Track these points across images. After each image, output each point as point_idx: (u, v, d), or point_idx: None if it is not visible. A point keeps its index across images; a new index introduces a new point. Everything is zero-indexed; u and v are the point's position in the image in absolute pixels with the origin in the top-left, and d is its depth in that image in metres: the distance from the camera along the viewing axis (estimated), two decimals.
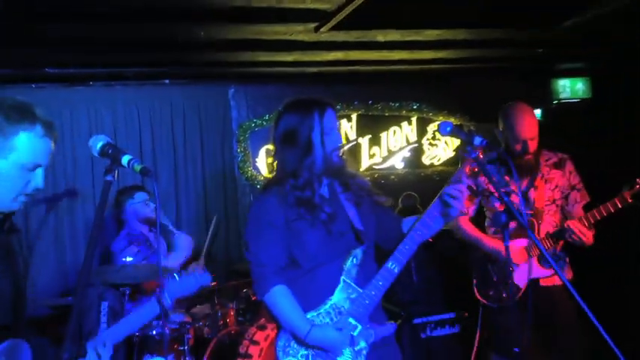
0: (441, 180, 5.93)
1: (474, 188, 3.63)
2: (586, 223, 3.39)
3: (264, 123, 5.68)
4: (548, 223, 3.60)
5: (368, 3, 3.51)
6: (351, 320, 2.48)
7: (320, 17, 3.82)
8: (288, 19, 3.80)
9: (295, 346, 2.50)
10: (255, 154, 5.68)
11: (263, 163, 5.68)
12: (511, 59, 5.53)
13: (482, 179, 3.61)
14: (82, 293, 2.19)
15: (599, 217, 3.36)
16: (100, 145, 1.94)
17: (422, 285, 4.82)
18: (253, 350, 3.91)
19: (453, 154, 6.30)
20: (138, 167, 1.90)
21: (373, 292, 2.49)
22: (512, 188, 3.36)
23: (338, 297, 2.51)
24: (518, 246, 3.52)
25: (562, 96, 6.09)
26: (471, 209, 3.74)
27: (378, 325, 2.54)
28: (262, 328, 4.01)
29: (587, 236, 3.39)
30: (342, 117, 5.81)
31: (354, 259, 2.51)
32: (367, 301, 2.49)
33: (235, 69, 5.13)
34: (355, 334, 2.47)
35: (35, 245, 4.68)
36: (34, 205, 3.38)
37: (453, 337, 4.56)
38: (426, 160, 6.21)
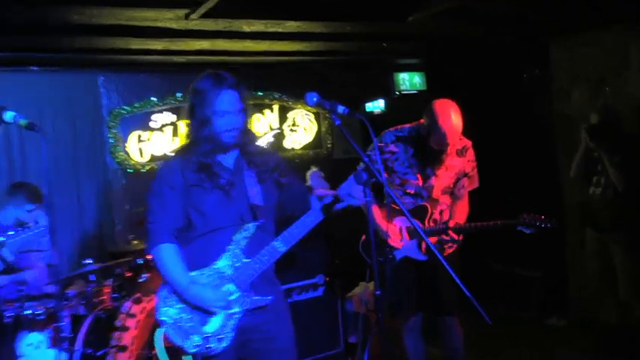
0: (301, 162, 6.04)
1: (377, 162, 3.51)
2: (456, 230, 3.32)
3: (135, 110, 5.42)
4: (442, 204, 3.52)
5: None
6: (231, 286, 2.47)
7: (191, 4, 3.64)
8: (160, 4, 3.59)
9: (174, 297, 2.49)
10: (126, 140, 5.38)
11: (135, 147, 5.41)
12: (360, 53, 5.59)
13: (388, 156, 3.48)
14: None
15: (471, 230, 3.33)
16: None
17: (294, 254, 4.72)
18: (130, 323, 3.81)
19: (311, 138, 6.34)
20: (24, 122, 1.69)
21: (257, 265, 2.48)
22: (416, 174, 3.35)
23: (223, 263, 2.49)
24: (409, 225, 3.46)
25: (403, 88, 6.27)
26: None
27: (256, 295, 2.51)
28: (138, 301, 3.92)
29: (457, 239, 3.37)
30: None
31: (246, 232, 2.49)
32: (249, 272, 2.48)
33: (106, 56, 4.79)
34: (232, 298, 2.46)
35: None
36: None
37: (317, 300, 4.57)
38: (287, 144, 6.22)
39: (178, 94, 5.51)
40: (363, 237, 3.57)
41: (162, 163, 2.71)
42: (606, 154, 4.09)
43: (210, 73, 2.51)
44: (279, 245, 2.49)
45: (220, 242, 2.49)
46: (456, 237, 3.36)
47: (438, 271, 3.39)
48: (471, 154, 3.52)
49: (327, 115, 6.05)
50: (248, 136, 2.57)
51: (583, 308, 5.05)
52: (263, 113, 6.05)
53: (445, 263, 2.18)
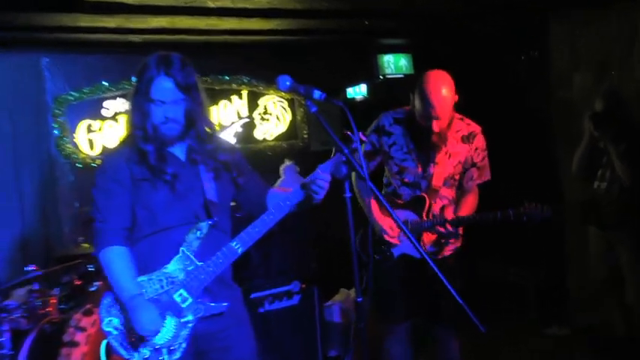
0: (273, 155, 6.04)
1: (376, 146, 3.56)
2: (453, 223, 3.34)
3: (84, 96, 5.33)
4: (445, 198, 3.52)
5: None
6: (183, 292, 2.49)
7: None
8: None
9: (118, 308, 2.50)
10: (74, 130, 5.30)
11: (84, 139, 5.33)
12: (338, 32, 5.57)
13: (386, 139, 3.50)
14: None
15: (469, 222, 3.36)
16: None
17: (261, 259, 4.77)
18: (80, 337, 3.77)
19: (285, 128, 6.32)
20: None
21: (211, 268, 2.50)
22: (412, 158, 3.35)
23: (174, 266, 2.51)
24: (404, 219, 3.45)
25: (387, 71, 6.29)
26: (371, 164, 3.60)
27: (211, 301, 2.54)
28: (89, 313, 3.88)
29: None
30: None
31: (198, 232, 2.50)
32: (203, 276, 2.50)
33: (51, 34, 4.69)
34: (184, 306, 2.48)
35: None
36: None
37: (292, 309, 4.55)
38: (258, 134, 6.18)
39: (134, 79, 5.39)
40: (358, 234, 3.56)
41: (107, 154, 2.70)
42: (612, 144, 4.12)
43: (156, 55, 2.51)
44: (236, 246, 2.51)
45: (170, 244, 2.50)
46: (453, 230, 3.37)
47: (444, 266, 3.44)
48: (480, 141, 3.51)
49: (303, 101, 6.03)
50: (196, 129, 2.57)
51: (586, 315, 5.06)
52: (230, 100, 6.00)
53: (433, 264, 2.21)
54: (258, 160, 5.37)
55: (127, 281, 2.46)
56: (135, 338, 2.47)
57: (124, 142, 2.62)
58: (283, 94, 6.24)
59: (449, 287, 2.17)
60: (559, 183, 5.23)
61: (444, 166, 3.45)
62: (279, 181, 2.83)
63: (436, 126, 3.29)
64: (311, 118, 6.33)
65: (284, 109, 6.35)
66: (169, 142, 2.55)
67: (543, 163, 5.35)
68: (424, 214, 3.44)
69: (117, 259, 2.48)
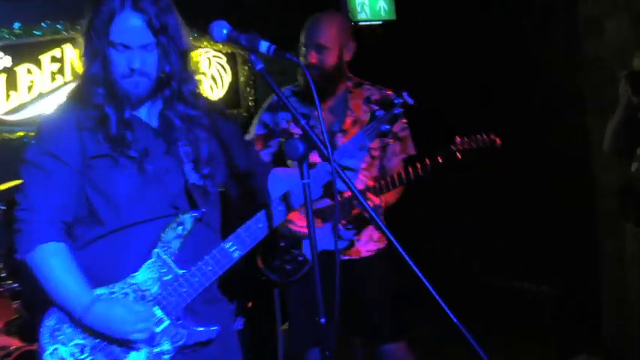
0: None
1: (270, 126, 3.69)
2: (375, 189, 3.56)
3: None
4: (360, 182, 3.67)
5: None
6: (157, 311, 2.41)
7: None
8: None
9: (68, 329, 2.40)
10: None
11: None
12: None
13: (283, 115, 3.69)
14: None
15: (391, 186, 3.56)
16: None
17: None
18: None
19: (223, 93, 6.35)
20: None
21: (197, 279, 2.43)
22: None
23: (145, 275, 2.43)
24: (317, 206, 3.57)
25: (360, 17, 6.30)
26: (266, 152, 3.75)
27: (196, 325, 2.47)
28: None
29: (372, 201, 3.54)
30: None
31: (180, 228, 2.43)
32: (185, 289, 2.42)
33: None
34: (158, 330, 2.41)
35: None
36: None
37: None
38: None
39: (16, 25, 5.42)
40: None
41: (46, 116, 2.56)
42: None
43: None
44: (232, 248, 2.46)
45: (139, 244, 2.44)
46: (377, 201, 3.55)
47: (372, 272, 3.70)
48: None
49: (247, 56, 5.95)
50: (174, 86, 2.47)
51: (624, 340, 5.03)
52: None
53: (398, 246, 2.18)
54: None
55: (76, 286, 2.36)
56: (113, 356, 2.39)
57: (70, 103, 2.50)
58: (221, 46, 6.23)
59: (437, 298, 2.12)
60: (588, 164, 5.27)
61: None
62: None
63: (322, 58, 3.62)
64: (259, 78, 6.27)
65: (222, 67, 6.34)
66: (135, 104, 2.46)
67: (568, 137, 5.39)
68: (339, 196, 3.55)
69: (55, 259, 2.37)
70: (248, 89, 6.44)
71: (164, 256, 2.43)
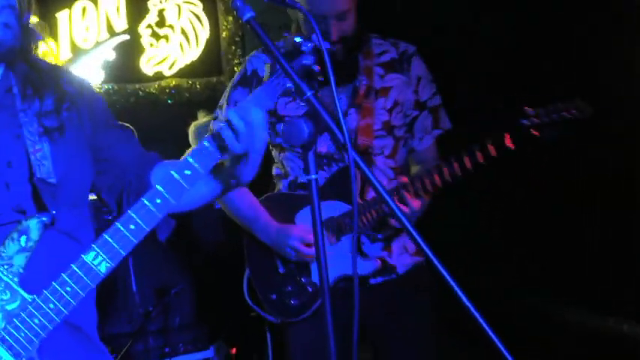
0: (178, 104, 5.87)
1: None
2: (412, 189, 3.36)
3: None
4: (382, 171, 3.56)
5: None
6: (3, 353, 2.26)
7: None
8: None
9: None
10: None
11: None
12: None
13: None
14: None
15: (439, 184, 3.30)
16: None
17: (153, 302, 4.86)
18: None
19: (198, 54, 5.99)
20: None
21: (52, 305, 2.29)
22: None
23: None
24: (329, 216, 3.47)
25: None
26: None
27: None
28: None
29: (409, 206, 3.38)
30: None
31: (23, 239, 2.30)
32: (37, 320, 2.29)
33: None
34: None
35: None
36: None
37: None
38: (146, 67, 5.82)
39: None
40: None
41: None
42: None
43: None
44: (97, 260, 2.31)
45: None
46: (416, 205, 3.36)
47: (408, 299, 3.51)
48: (418, 64, 3.58)
49: (230, 2, 5.34)
50: (21, 48, 2.41)
51: None
52: (95, 2, 5.64)
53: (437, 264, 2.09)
54: (146, 114, 5.69)
55: None
56: None
57: None
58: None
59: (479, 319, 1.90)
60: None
61: (370, 112, 3.54)
62: (188, 151, 2.58)
63: (344, 27, 3.40)
64: (247, 33, 6.08)
65: (197, 17, 5.96)
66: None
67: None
68: (359, 197, 3.50)
69: None
70: (233, 48, 6.11)
71: (5, 279, 2.34)
